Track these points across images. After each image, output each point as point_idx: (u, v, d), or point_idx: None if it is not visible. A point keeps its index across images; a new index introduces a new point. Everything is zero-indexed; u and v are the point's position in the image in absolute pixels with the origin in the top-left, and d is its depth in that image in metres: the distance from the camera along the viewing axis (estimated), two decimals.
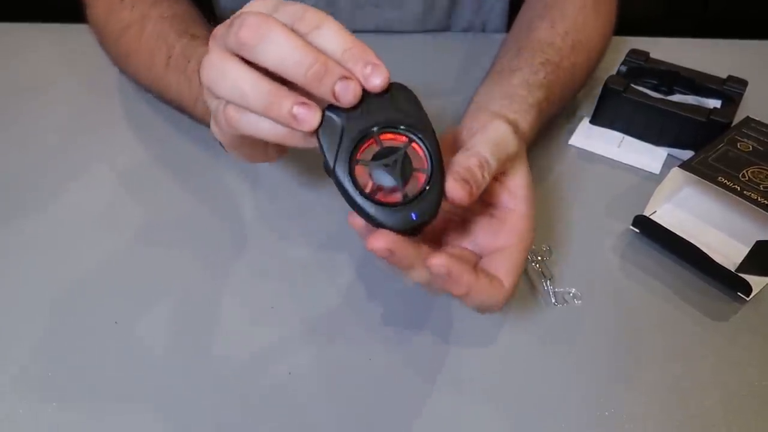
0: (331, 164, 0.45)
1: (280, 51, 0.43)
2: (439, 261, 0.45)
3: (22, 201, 0.69)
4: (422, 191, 0.46)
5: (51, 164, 0.74)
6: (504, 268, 0.51)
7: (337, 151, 0.45)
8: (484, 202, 0.55)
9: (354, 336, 0.58)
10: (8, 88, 0.86)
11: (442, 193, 0.46)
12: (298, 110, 0.44)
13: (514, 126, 0.57)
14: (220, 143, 0.55)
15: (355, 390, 0.55)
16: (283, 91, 0.45)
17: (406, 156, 0.46)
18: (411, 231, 0.46)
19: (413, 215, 0.45)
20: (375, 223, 0.45)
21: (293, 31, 0.44)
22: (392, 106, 0.46)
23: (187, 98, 0.68)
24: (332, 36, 0.45)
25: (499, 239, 0.53)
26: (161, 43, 0.70)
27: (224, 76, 0.45)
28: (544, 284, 0.62)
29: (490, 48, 0.81)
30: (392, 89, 0.46)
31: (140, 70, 0.75)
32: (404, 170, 0.46)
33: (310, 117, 0.44)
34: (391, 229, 0.45)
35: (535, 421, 0.53)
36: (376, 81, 0.44)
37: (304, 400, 0.54)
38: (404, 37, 0.96)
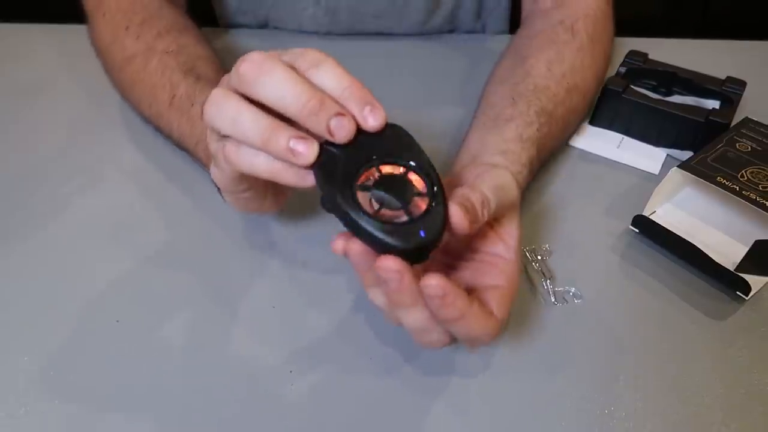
0: (334, 192, 0.44)
1: (278, 85, 0.45)
2: (435, 281, 0.44)
3: (23, 203, 0.70)
4: (427, 211, 0.45)
5: (52, 166, 0.74)
6: (495, 302, 0.50)
7: (336, 181, 0.44)
8: (474, 248, 0.54)
9: (354, 335, 0.59)
10: (8, 89, 0.86)
11: (446, 213, 0.45)
12: (295, 144, 0.45)
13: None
14: (219, 191, 0.57)
15: (354, 388, 0.55)
16: (281, 125, 0.45)
17: (408, 181, 0.46)
18: (419, 252, 0.44)
19: (421, 232, 0.44)
20: (382, 244, 0.43)
21: (294, 68, 0.45)
22: (389, 143, 0.46)
23: (189, 139, 0.68)
24: (332, 75, 0.45)
25: (488, 279, 0.52)
26: (165, 80, 0.70)
27: (225, 110, 0.46)
28: (544, 284, 0.62)
29: (492, 51, 0.81)
30: (388, 129, 0.46)
31: (142, 104, 0.75)
32: (407, 193, 0.45)
33: (307, 151, 0.45)
34: (397, 250, 0.43)
35: (535, 420, 0.53)
36: (374, 122, 0.45)
37: (305, 398, 0.54)
38: (406, 41, 0.96)
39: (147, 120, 0.76)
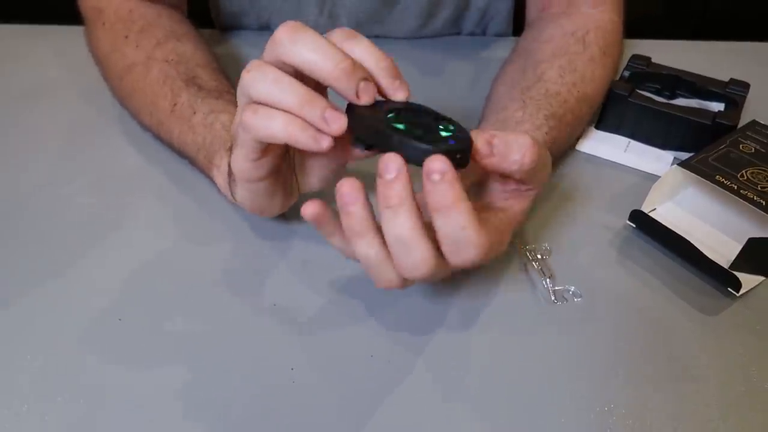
0: (364, 117, 0.49)
1: (312, 47, 0.48)
2: (439, 159, 0.46)
3: (25, 204, 0.70)
4: (454, 128, 0.49)
5: (53, 167, 0.75)
6: (486, 226, 0.51)
7: (369, 121, 0.49)
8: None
9: (356, 333, 0.59)
10: (8, 90, 0.87)
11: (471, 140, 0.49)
12: (329, 113, 0.48)
13: None
14: (230, 192, 0.61)
15: (355, 387, 0.55)
16: (318, 95, 0.49)
17: (433, 112, 0.51)
18: (449, 152, 0.47)
19: (451, 141, 0.48)
20: (413, 148, 0.47)
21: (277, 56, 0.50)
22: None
23: (190, 147, 0.69)
24: (365, 47, 0.50)
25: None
26: (167, 89, 0.71)
27: (266, 74, 0.49)
28: (544, 283, 0.63)
29: (494, 53, 0.82)
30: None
31: (142, 112, 0.75)
32: (433, 121, 0.50)
33: (339, 121, 0.48)
34: (429, 152, 0.46)
35: (535, 418, 0.54)
36: (401, 95, 0.50)
37: (306, 396, 0.55)
38: (407, 43, 0.97)
39: (147, 128, 0.76)
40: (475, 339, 0.59)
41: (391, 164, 0.46)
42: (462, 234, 0.47)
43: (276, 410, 0.54)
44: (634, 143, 0.80)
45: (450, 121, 0.50)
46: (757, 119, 0.76)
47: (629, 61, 0.83)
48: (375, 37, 0.94)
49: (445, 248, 0.49)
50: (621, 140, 0.80)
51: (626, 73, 0.82)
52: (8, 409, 0.53)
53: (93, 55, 0.82)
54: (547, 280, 0.63)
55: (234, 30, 0.99)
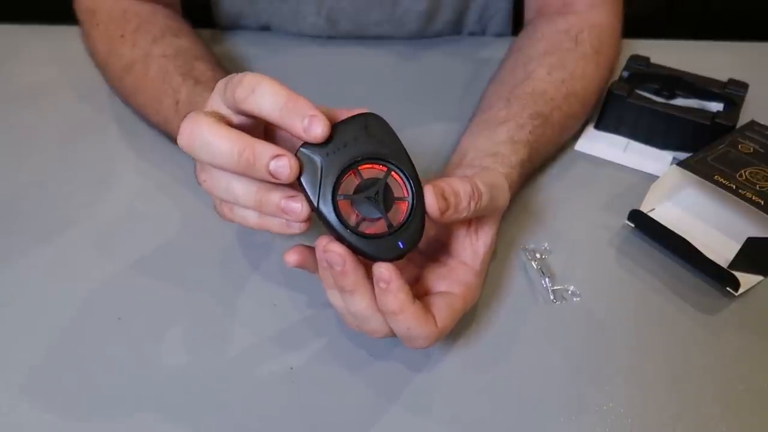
0: (315, 203, 0.47)
1: (209, 148, 0.46)
2: (385, 268, 0.47)
3: (24, 204, 0.70)
4: (406, 219, 0.48)
5: (53, 166, 0.75)
6: (441, 311, 0.52)
7: (319, 189, 0.47)
8: (446, 250, 0.57)
9: (355, 333, 0.58)
10: (6, 91, 0.86)
11: (423, 218, 0.48)
12: (286, 204, 0.47)
13: None
14: None
15: (355, 386, 0.55)
16: (271, 188, 0.48)
17: (386, 186, 0.48)
18: (398, 258, 0.48)
19: (400, 244, 0.47)
20: (365, 256, 0.47)
21: (234, 100, 0.46)
22: (368, 136, 0.48)
23: None
24: (268, 95, 0.45)
25: (443, 285, 0.55)
26: (167, 86, 0.71)
27: (218, 182, 0.49)
28: (543, 282, 0.63)
29: (493, 53, 0.82)
30: (366, 119, 0.48)
31: (148, 111, 0.75)
32: (386, 200, 0.48)
33: (298, 208, 0.47)
34: (381, 259, 0.47)
35: (535, 417, 0.54)
36: (317, 131, 0.45)
37: (305, 396, 0.55)
38: (407, 44, 0.97)
39: (154, 126, 0.76)
40: (474, 338, 0.59)
41: (338, 258, 0.47)
42: (408, 333, 0.50)
43: (276, 410, 0.54)
44: (633, 143, 0.80)
45: (410, 180, 0.48)
46: (755, 119, 0.76)
47: (628, 61, 0.83)
48: (375, 38, 0.95)
49: (400, 338, 0.51)
50: (620, 140, 0.81)
51: (625, 74, 0.82)
52: (8, 407, 0.53)
53: (92, 58, 0.82)
54: (547, 279, 0.63)
55: (234, 30, 0.98)
